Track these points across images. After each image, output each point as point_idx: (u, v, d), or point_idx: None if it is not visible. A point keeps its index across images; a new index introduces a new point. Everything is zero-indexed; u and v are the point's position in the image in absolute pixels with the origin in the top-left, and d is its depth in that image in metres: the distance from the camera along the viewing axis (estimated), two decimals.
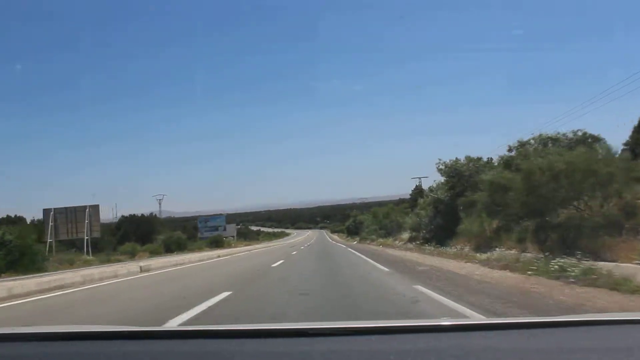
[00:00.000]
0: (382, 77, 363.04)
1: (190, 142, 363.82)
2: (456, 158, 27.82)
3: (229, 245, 69.35)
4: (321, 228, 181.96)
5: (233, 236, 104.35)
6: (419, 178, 64.74)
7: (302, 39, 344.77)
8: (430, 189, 31.76)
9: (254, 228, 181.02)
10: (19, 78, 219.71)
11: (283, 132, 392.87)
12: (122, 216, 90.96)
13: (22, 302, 9.18)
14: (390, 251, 27.51)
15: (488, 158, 27.20)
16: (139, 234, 66.82)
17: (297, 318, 6.00)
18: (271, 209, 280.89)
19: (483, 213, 19.69)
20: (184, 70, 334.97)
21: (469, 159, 27.01)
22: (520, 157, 19.06)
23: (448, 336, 1.82)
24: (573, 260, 10.11)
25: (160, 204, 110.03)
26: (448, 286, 9.12)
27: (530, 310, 6.26)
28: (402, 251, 26.20)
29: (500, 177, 16.68)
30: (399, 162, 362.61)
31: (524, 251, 14.72)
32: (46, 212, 44.95)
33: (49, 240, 40.59)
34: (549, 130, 22.80)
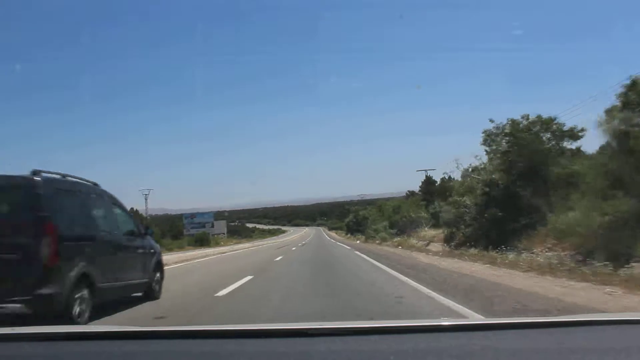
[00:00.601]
0: (381, 75, 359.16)
1: (188, 140, 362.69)
2: (511, 120, 18.26)
3: (217, 244, 63.64)
4: (318, 225, 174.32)
5: (224, 233, 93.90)
6: (426, 170, 58.29)
7: (302, 37, 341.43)
8: (473, 169, 22.23)
9: (250, 225, 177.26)
10: (17, 77, 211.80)
11: (281, 129, 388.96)
12: None
13: None
14: (425, 258, 17.65)
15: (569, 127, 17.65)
16: None
17: None
18: (268, 206, 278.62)
19: (591, 196, 12.33)
20: (183, 68, 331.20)
21: (538, 119, 17.47)
22: None
23: (448, 336, 1.79)
24: None
25: (146, 198, 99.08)
26: None
27: None
28: (450, 260, 15.77)
29: None
30: (397, 160, 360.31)
31: None
32: None
33: None
34: None
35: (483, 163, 20.74)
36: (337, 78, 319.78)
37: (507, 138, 18.05)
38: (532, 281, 9.41)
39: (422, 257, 17.93)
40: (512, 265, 12.29)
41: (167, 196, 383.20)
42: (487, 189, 18.88)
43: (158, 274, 8.91)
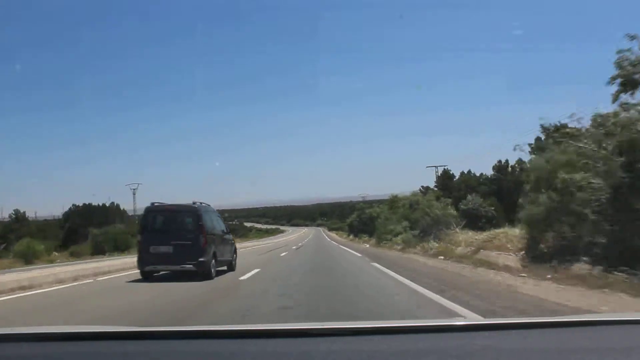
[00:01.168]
0: (381, 75, 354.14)
1: (189, 139, 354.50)
2: None
3: None
4: (318, 225, 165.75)
5: None
6: (436, 167, 53.84)
7: (302, 37, 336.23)
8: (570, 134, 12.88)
9: (248, 224, 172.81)
10: (16, 75, 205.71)
11: (281, 129, 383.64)
12: (73, 205, 70.74)
13: None
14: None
15: None
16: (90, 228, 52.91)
17: None
18: (268, 206, 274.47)
19: None
20: (183, 67, 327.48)
21: None
22: None
23: (448, 336, 1.79)
24: None
25: (134, 193, 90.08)
26: None
27: None
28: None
29: None
30: (398, 161, 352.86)
31: None
32: None
33: None
34: None
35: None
36: (338, 78, 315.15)
37: None
38: None
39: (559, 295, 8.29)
40: None
41: (168, 195, 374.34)
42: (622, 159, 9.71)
43: (235, 255, 15.03)
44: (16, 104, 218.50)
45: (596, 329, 1.86)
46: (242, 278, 12.15)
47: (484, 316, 6.00)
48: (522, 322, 2.00)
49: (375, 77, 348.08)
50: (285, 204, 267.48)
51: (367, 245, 33.76)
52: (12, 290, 10.28)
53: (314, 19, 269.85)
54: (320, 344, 1.63)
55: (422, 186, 47.97)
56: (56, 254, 36.97)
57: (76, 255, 36.87)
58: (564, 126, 13.42)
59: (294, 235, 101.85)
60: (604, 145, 10.62)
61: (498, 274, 11.31)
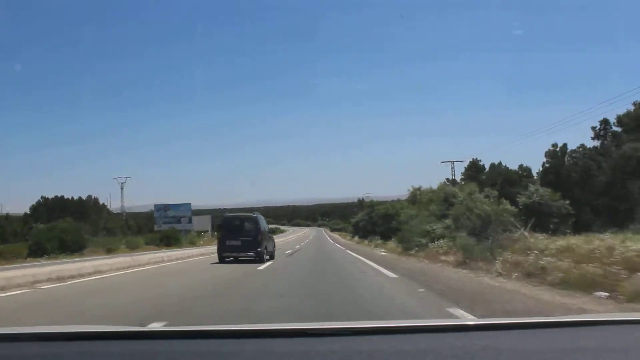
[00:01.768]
0: (382, 76, 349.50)
1: (189, 138, 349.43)
2: None
3: (193, 244, 51.14)
4: (320, 226, 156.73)
5: (207, 230, 76.53)
6: (452, 162, 49.70)
7: (302, 37, 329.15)
8: None
9: None
10: (16, 74, 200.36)
11: (283, 129, 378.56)
12: (42, 198, 60.49)
13: None
14: None
15: None
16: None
17: None
18: (269, 206, 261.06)
19: None
20: (183, 67, 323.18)
21: None
22: None
23: (448, 336, 1.79)
24: None
25: (122, 187, 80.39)
26: None
27: None
28: None
29: None
30: (398, 162, 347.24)
31: None
32: None
33: None
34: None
35: None
36: (338, 78, 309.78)
37: None
38: None
39: None
40: None
41: (168, 194, 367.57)
42: None
43: (273, 248, 20.17)
44: (16, 102, 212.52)
45: (596, 329, 1.86)
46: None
47: None
48: (522, 322, 1.99)
49: (375, 77, 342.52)
50: (287, 204, 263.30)
51: (384, 252, 24.27)
52: None
53: (314, 19, 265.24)
54: (320, 344, 1.63)
55: (448, 179, 38.68)
56: None
57: (4, 257, 27.54)
58: None
59: (293, 236, 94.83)
60: None
61: None
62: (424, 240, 19.38)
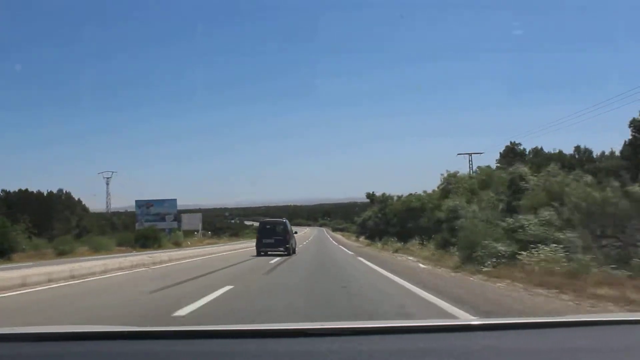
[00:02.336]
0: (382, 76, 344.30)
1: (189, 139, 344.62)
2: None
3: (179, 245, 46.23)
4: (321, 225, 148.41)
5: (197, 230, 72.95)
6: (470, 154, 45.31)
7: (302, 37, 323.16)
8: None
9: (248, 223, 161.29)
10: (16, 73, 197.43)
11: (284, 129, 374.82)
12: (2, 191, 51.59)
13: None
14: None
15: None
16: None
17: None
18: (270, 205, 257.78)
19: None
20: (184, 67, 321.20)
21: None
22: None
23: (448, 336, 1.76)
24: None
25: (107, 182, 71.80)
26: None
27: None
28: None
29: None
30: (398, 162, 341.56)
31: None
32: None
33: None
34: None
35: None
36: (339, 79, 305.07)
37: None
38: None
39: None
40: None
41: (168, 192, 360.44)
42: None
43: (295, 245, 25.70)
44: (18, 100, 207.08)
45: (596, 329, 1.83)
46: None
47: None
48: (522, 322, 1.97)
49: (375, 77, 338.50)
50: (288, 204, 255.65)
51: (424, 265, 14.82)
52: None
53: (314, 19, 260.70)
54: (320, 344, 1.61)
55: (479, 167, 30.11)
56: None
57: None
58: None
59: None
60: None
61: None
62: (503, 248, 10.80)
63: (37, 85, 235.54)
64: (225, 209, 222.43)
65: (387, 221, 36.51)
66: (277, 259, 19.48)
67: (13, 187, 54.14)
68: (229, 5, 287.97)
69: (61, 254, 30.53)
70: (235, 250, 33.96)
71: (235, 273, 13.55)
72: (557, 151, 31.87)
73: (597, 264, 8.74)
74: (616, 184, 12.31)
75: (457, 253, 13.67)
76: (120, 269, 15.11)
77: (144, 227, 57.22)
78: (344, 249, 32.28)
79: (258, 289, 9.56)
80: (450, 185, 22.88)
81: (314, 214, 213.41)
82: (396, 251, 24.46)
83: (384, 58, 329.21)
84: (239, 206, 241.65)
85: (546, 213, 11.30)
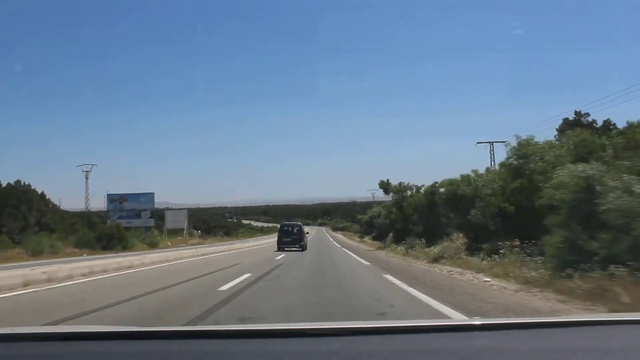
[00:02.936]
0: (382, 76, 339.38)
1: (190, 137, 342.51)
2: None
3: (154, 245, 39.44)
4: (320, 225, 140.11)
5: (182, 229, 67.01)
6: (491, 143, 39.91)
7: (302, 37, 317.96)
8: None
9: (246, 222, 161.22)
10: (16, 72, 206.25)
11: (284, 129, 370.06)
12: None
13: None
14: None
15: None
16: None
17: None
18: (269, 204, 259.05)
19: None
20: (184, 66, 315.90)
21: None
22: None
23: (448, 336, 1.73)
24: None
25: (87, 177, 62.84)
26: None
27: None
28: None
29: None
30: (397, 162, 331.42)
31: None
32: None
33: None
34: None
35: None
36: (339, 78, 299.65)
37: None
38: None
39: None
40: None
41: (168, 192, 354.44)
42: None
43: (306, 242, 30.12)
44: (19, 97, 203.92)
45: (596, 329, 1.80)
46: None
47: None
48: (522, 322, 1.94)
49: (375, 77, 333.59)
50: (287, 203, 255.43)
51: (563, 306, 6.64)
52: None
53: (314, 19, 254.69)
54: (320, 344, 1.58)
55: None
56: None
57: None
58: None
59: None
60: None
61: None
62: None
63: (37, 84, 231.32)
64: (225, 208, 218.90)
65: (404, 219, 27.79)
66: (249, 275, 11.61)
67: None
68: (229, 5, 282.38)
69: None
70: (218, 253, 27.97)
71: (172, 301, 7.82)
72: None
73: None
74: None
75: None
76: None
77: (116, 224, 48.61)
78: (353, 254, 23.50)
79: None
80: (523, 159, 14.32)
81: (313, 213, 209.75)
82: (435, 261, 15.81)
83: (384, 58, 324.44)
84: (239, 205, 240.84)
85: None
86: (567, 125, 25.30)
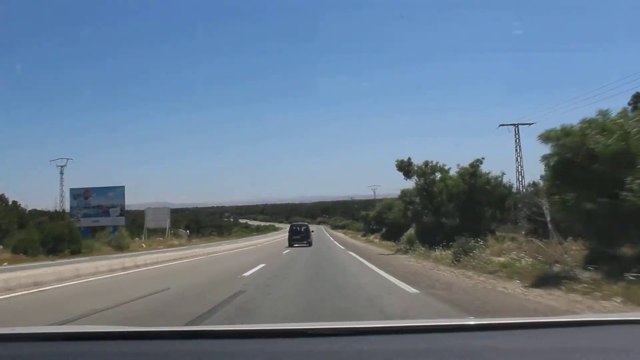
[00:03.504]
0: (382, 76, 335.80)
1: (189, 136, 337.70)
2: None
3: (122, 249, 32.57)
4: (319, 223, 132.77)
5: (164, 228, 58.69)
6: (515, 125, 37.41)
7: (302, 37, 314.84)
8: None
9: (243, 221, 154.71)
10: (17, 72, 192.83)
11: (283, 128, 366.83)
12: None
13: None
14: None
15: None
16: None
17: None
18: (267, 203, 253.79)
19: None
20: (184, 66, 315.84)
21: None
22: None
23: (448, 336, 1.69)
24: None
25: (61, 172, 53.86)
26: None
27: None
28: None
29: None
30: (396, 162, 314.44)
31: None
32: None
33: None
34: None
35: None
36: (339, 78, 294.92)
37: None
38: None
39: None
40: None
41: (169, 191, 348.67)
42: None
43: (312, 239, 33.98)
44: (21, 96, 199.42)
45: (596, 329, 1.76)
46: None
47: None
48: (522, 322, 1.88)
49: (375, 76, 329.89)
50: (286, 202, 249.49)
51: None
52: None
53: (314, 19, 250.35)
54: (320, 344, 1.56)
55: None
56: None
57: None
58: None
59: (285, 235, 68.47)
60: None
61: None
62: None
63: (33, 84, 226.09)
64: (224, 208, 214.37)
65: (435, 208, 19.78)
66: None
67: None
68: (229, 5, 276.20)
69: None
70: (189, 259, 20.92)
71: None
72: None
73: None
74: None
75: None
76: None
77: (82, 225, 40.87)
78: (368, 263, 15.43)
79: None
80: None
81: (312, 212, 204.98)
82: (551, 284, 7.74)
83: (384, 58, 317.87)
84: (238, 205, 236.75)
85: None
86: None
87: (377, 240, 38.12)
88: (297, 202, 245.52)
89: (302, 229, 34.41)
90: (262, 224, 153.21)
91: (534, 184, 22.08)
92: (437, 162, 21.24)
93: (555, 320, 1.92)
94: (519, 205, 21.60)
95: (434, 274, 11.98)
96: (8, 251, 30.57)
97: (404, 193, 23.93)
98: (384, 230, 37.38)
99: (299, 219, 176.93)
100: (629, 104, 21.59)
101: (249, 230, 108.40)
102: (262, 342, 1.59)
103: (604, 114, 8.84)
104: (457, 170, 20.45)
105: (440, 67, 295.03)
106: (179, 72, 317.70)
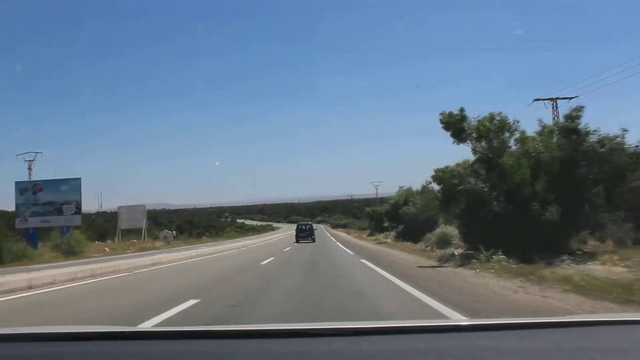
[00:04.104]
0: (382, 75, 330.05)
1: (188, 136, 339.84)
2: None
3: (76, 254, 26.64)
4: (319, 222, 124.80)
5: (140, 228, 50.56)
6: (553, 100, 30.96)
7: (302, 37, 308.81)
8: None
9: (240, 220, 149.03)
10: (17, 71, 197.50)
11: (283, 128, 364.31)
12: None
13: None
14: None
15: None
16: None
17: None
18: (266, 203, 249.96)
19: None
20: (184, 65, 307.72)
21: None
22: None
23: (448, 336, 1.67)
24: None
25: (30, 167, 44.33)
26: None
27: None
28: None
29: None
30: (397, 161, 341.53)
31: None
32: None
33: None
34: None
35: None
36: (338, 78, 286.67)
37: None
38: None
39: None
40: None
41: (165, 192, 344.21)
42: None
43: (315, 236, 40.85)
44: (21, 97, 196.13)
45: (596, 329, 1.73)
46: None
47: None
48: (522, 322, 1.84)
49: (375, 76, 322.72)
50: (285, 202, 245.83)
51: None
52: None
53: (314, 19, 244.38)
54: (320, 344, 1.53)
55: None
56: None
57: None
58: None
59: (283, 235, 65.36)
60: None
61: None
62: None
63: (32, 84, 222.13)
64: (224, 208, 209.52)
65: (508, 190, 11.79)
66: None
67: None
68: (229, 5, 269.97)
69: None
70: (148, 268, 15.72)
71: None
72: None
73: None
74: None
75: None
76: None
77: (28, 225, 32.82)
78: (401, 285, 7.64)
79: None
80: None
81: (311, 211, 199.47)
82: None
83: (383, 57, 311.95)
84: (237, 204, 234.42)
85: None
86: None
87: (390, 240, 30.16)
88: (296, 201, 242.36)
89: (307, 228, 41.22)
90: (259, 223, 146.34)
91: None
92: (507, 117, 13.17)
93: (554, 321, 1.87)
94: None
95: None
96: None
97: (443, 172, 15.69)
98: (400, 228, 29.38)
99: (299, 219, 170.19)
100: None
101: (243, 231, 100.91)
102: (262, 342, 1.57)
103: None
104: (543, 127, 12.53)
105: (440, 66, 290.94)
106: (179, 72, 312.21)
